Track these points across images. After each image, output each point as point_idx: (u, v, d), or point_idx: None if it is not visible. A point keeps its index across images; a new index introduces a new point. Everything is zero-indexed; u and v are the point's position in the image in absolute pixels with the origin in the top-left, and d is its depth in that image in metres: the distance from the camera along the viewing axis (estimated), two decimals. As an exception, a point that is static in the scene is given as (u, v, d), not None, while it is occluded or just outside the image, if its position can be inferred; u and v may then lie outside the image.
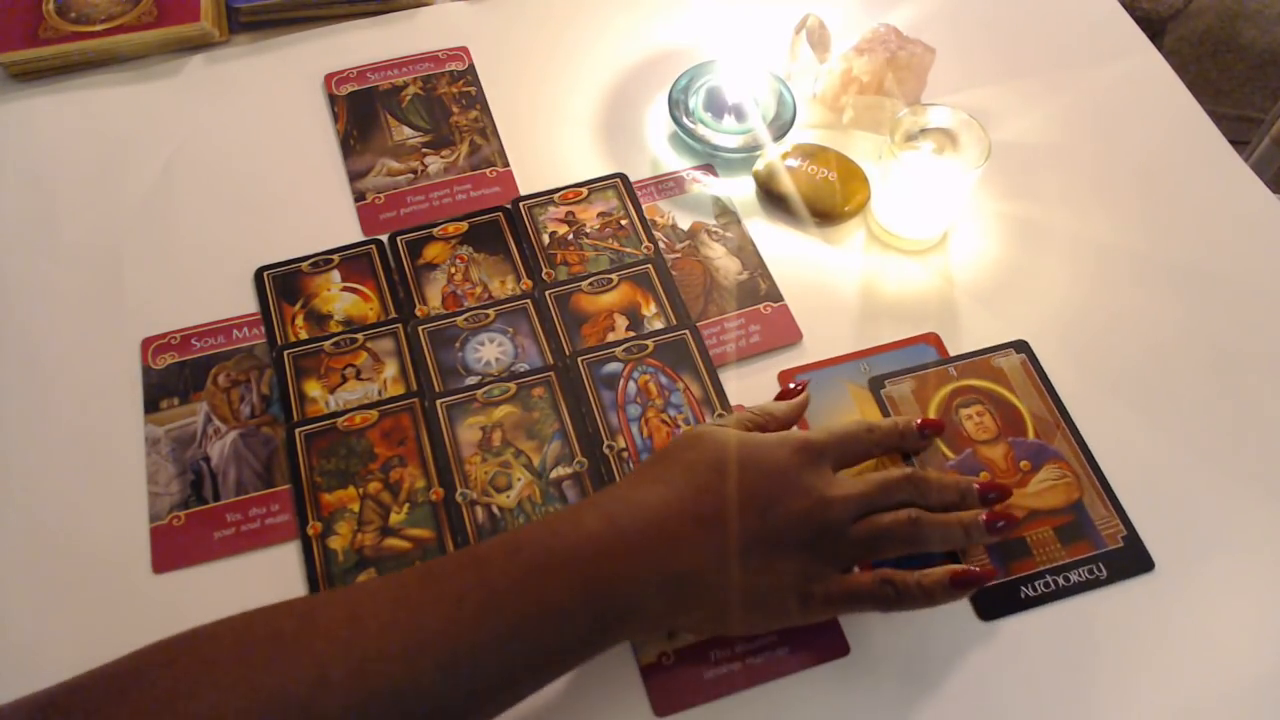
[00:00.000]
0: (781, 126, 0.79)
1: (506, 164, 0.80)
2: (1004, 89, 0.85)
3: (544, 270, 0.74)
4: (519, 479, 0.64)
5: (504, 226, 0.76)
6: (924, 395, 0.68)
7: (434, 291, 0.73)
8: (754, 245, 0.76)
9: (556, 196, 0.78)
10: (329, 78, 0.85)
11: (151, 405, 0.67)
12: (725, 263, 0.75)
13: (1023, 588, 0.61)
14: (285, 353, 0.70)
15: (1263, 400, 0.68)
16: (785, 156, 0.78)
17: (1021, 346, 0.70)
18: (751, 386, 0.69)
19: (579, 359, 0.69)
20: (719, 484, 0.52)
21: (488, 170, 0.80)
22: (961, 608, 0.60)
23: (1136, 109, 0.84)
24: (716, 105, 0.81)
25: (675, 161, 0.81)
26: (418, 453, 0.65)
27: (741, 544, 0.51)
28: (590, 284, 0.73)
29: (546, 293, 0.72)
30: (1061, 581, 0.61)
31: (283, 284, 0.73)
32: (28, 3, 0.85)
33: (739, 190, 0.79)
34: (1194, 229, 0.77)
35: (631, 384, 0.68)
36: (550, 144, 0.82)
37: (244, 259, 0.74)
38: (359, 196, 0.78)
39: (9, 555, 0.62)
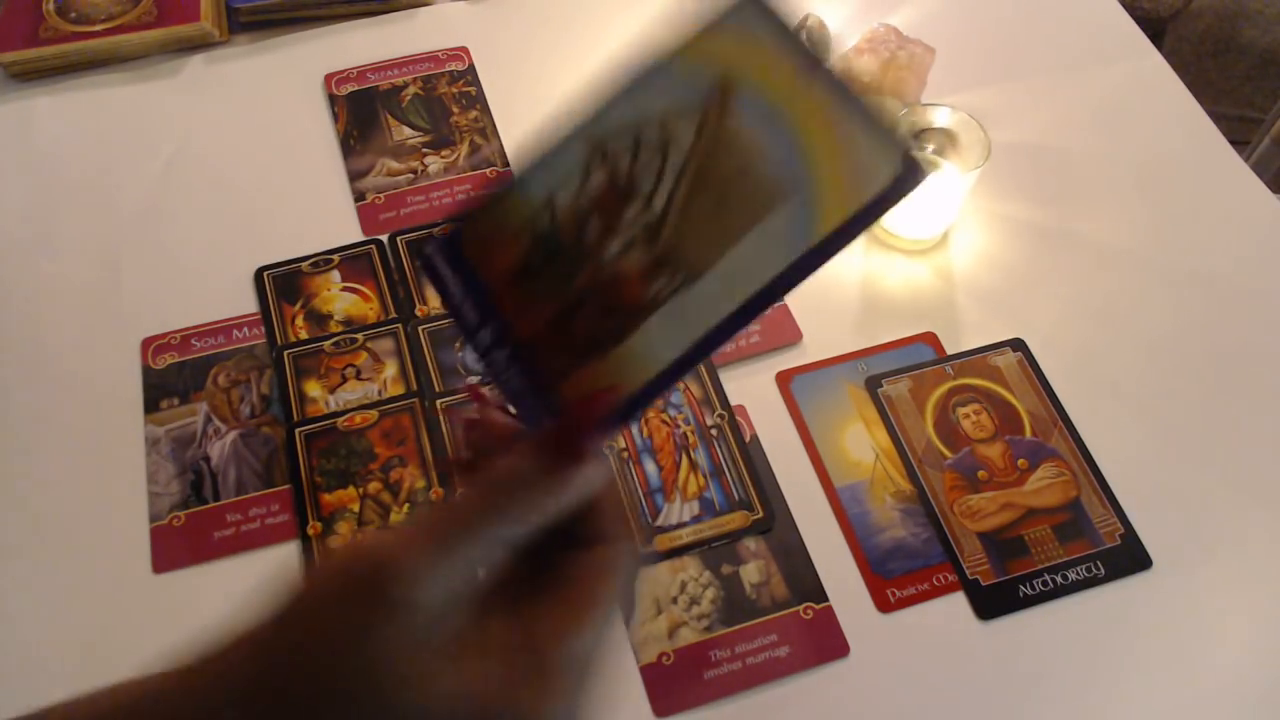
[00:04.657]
0: (781, 126, 0.79)
1: (506, 164, 0.80)
2: (1004, 89, 0.85)
3: (544, 270, 0.74)
4: (519, 479, 0.64)
5: (504, 226, 0.76)
6: (921, 394, 0.68)
7: (434, 291, 0.73)
8: (753, 245, 0.75)
9: (556, 196, 0.78)
10: (329, 78, 0.85)
11: (151, 405, 0.68)
12: (725, 263, 0.75)
13: (1021, 587, 0.61)
14: (285, 353, 0.70)
15: (1261, 399, 0.68)
16: (785, 156, 0.78)
17: (1018, 345, 0.70)
18: (751, 386, 0.69)
19: (579, 359, 0.69)
20: None
21: (488, 170, 0.80)
22: (960, 608, 0.60)
23: (1137, 109, 0.84)
24: (716, 105, 0.80)
25: (675, 161, 0.81)
26: (418, 452, 0.65)
27: None
28: (590, 284, 0.73)
29: (546, 293, 0.72)
30: (1060, 580, 0.61)
31: (283, 284, 0.73)
32: (28, 3, 0.85)
33: (738, 190, 0.79)
34: (1194, 229, 0.77)
35: (631, 384, 0.68)
36: (550, 144, 0.82)
37: (244, 259, 0.74)
38: (359, 196, 0.78)
39: (9, 554, 0.62)
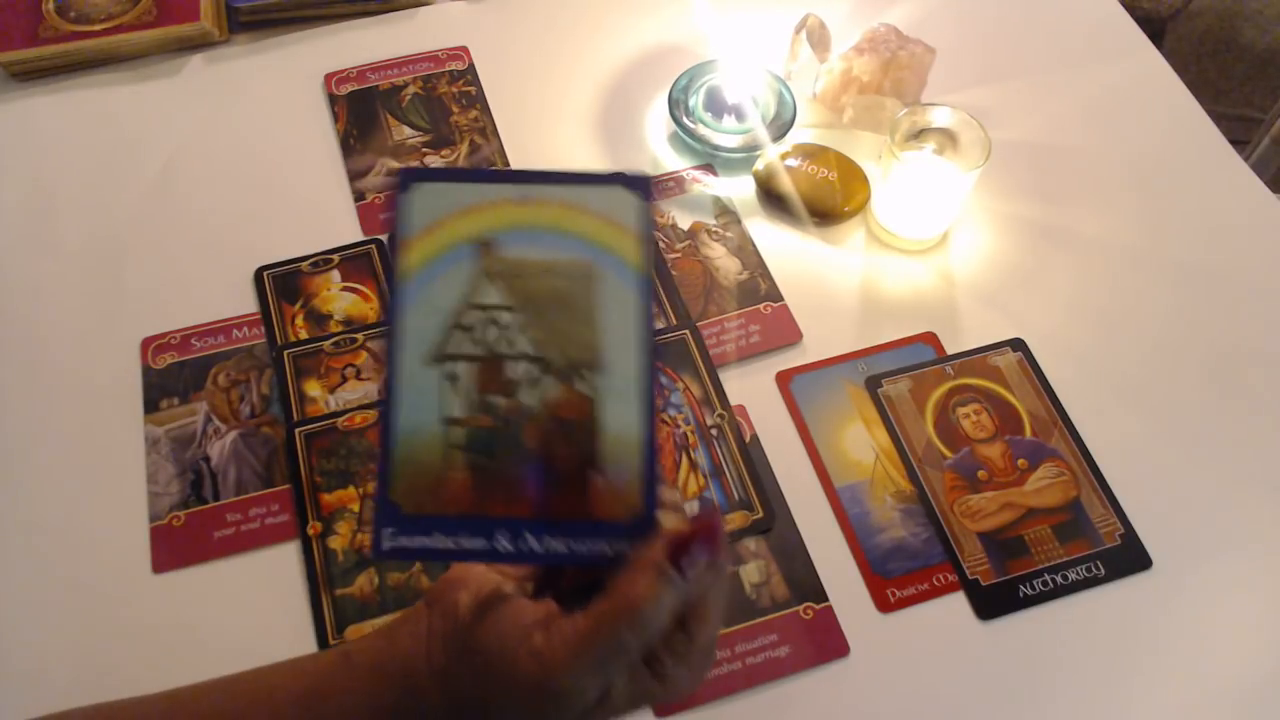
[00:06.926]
0: (781, 126, 0.79)
1: (506, 163, 0.80)
2: (1004, 89, 0.85)
3: (544, 270, 0.74)
4: (519, 479, 0.64)
5: (504, 226, 0.76)
6: (921, 394, 0.68)
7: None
8: (754, 245, 0.76)
9: (556, 196, 0.78)
10: (329, 77, 0.85)
11: (151, 405, 0.68)
12: (725, 263, 0.75)
13: (1021, 587, 0.61)
14: (285, 352, 0.70)
15: (1261, 398, 0.68)
16: (785, 156, 0.78)
17: (1018, 345, 0.70)
18: (751, 386, 0.69)
19: (578, 359, 0.69)
20: None
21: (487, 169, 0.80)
22: (960, 607, 0.60)
23: (1136, 109, 0.84)
24: (716, 105, 0.81)
25: (675, 161, 0.81)
26: (417, 452, 0.65)
27: None
28: (590, 284, 0.73)
29: (546, 292, 0.73)
30: (1060, 580, 0.61)
31: (283, 284, 0.73)
32: (28, 3, 0.85)
33: (739, 190, 0.79)
34: (1194, 228, 0.77)
35: (631, 384, 0.68)
36: (550, 144, 0.82)
37: (244, 259, 0.74)
38: (359, 196, 0.78)
39: (9, 555, 0.62)
